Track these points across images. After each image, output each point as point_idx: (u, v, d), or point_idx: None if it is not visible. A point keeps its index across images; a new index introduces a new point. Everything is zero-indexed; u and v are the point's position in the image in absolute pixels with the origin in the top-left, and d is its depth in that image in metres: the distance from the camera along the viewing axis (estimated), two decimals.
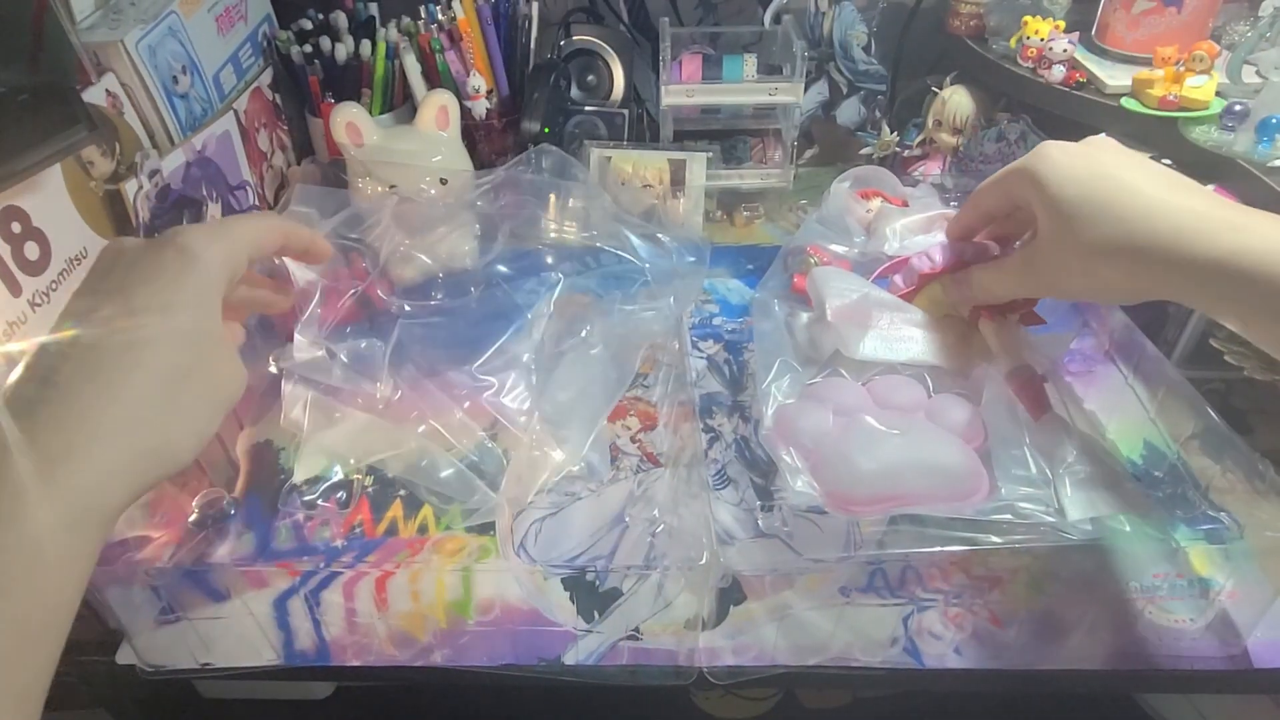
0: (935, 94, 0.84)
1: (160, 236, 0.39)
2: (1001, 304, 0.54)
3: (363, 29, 0.84)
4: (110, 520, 0.33)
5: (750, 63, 0.81)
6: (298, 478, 0.58)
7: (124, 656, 0.52)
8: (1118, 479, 0.52)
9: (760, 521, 0.55)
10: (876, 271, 0.60)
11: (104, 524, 0.33)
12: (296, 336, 0.61)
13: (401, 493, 0.59)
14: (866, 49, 0.87)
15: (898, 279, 0.58)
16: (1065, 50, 0.74)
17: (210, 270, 0.38)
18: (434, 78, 0.84)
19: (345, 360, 0.61)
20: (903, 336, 0.55)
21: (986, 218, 0.54)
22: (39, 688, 0.31)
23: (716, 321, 0.74)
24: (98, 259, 0.39)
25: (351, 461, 0.59)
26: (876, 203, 0.71)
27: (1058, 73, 0.74)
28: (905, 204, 0.70)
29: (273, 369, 0.64)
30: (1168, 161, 0.59)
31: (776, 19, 0.87)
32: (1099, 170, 0.44)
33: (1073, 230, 0.44)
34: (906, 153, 0.87)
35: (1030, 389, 0.51)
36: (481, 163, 0.84)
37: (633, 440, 0.62)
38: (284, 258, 0.64)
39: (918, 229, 0.65)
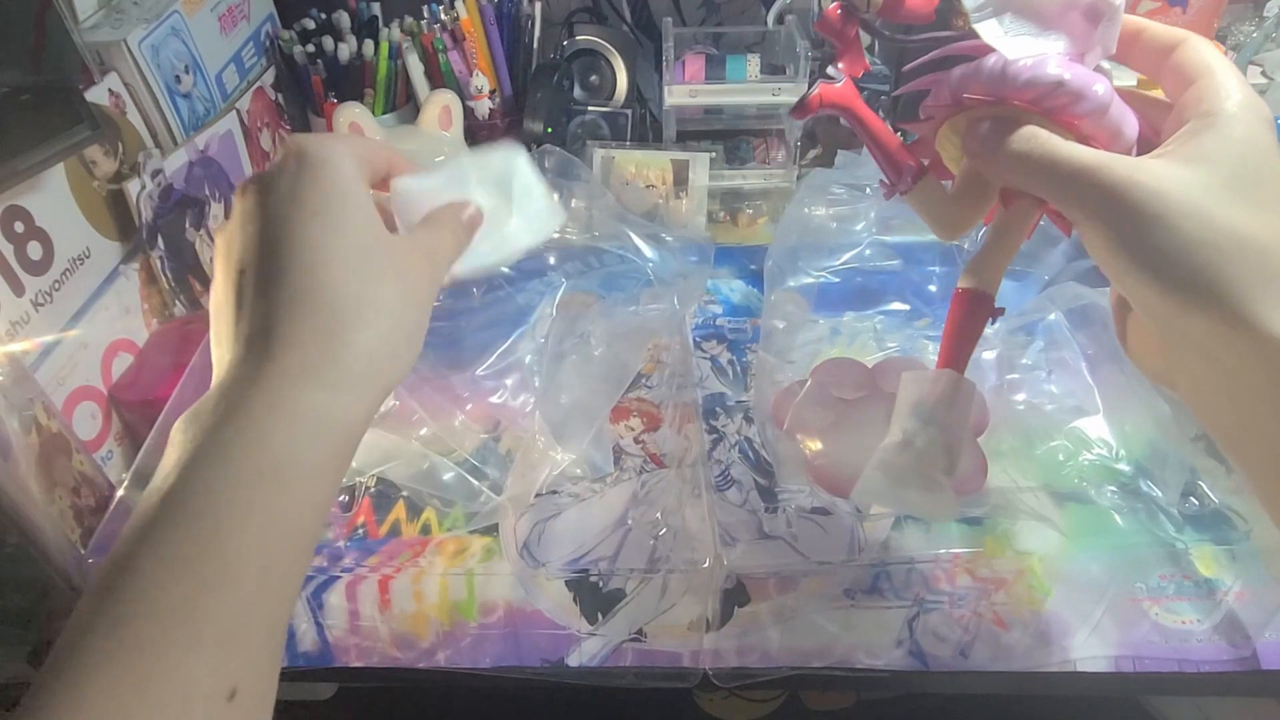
0: None
1: (286, 154, 0.35)
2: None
3: (365, 29, 0.84)
4: (351, 434, 0.32)
5: (753, 63, 0.80)
6: None
7: None
8: (930, 483, 0.40)
9: (764, 523, 0.55)
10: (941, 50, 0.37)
11: (347, 440, 0.32)
12: None
13: (404, 494, 0.58)
14: (870, 49, 0.87)
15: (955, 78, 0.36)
16: None
17: (347, 165, 0.35)
18: (437, 78, 0.84)
19: None
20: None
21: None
22: (290, 600, 0.31)
23: (720, 322, 0.74)
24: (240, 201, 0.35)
25: (355, 465, 0.59)
26: None
27: None
28: None
29: None
30: None
31: (780, 19, 0.87)
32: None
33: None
34: None
35: (970, 323, 0.39)
36: None
37: (636, 441, 0.62)
38: None
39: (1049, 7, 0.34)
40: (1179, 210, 0.30)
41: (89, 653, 0.26)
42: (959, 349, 0.40)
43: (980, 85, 0.35)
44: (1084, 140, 0.33)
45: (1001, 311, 0.39)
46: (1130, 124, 0.34)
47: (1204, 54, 0.33)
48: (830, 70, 0.40)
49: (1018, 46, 0.34)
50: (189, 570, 0.27)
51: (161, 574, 0.27)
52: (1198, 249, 0.30)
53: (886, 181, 0.42)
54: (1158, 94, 0.36)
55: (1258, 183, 0.31)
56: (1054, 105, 0.33)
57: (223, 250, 0.34)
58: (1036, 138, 0.33)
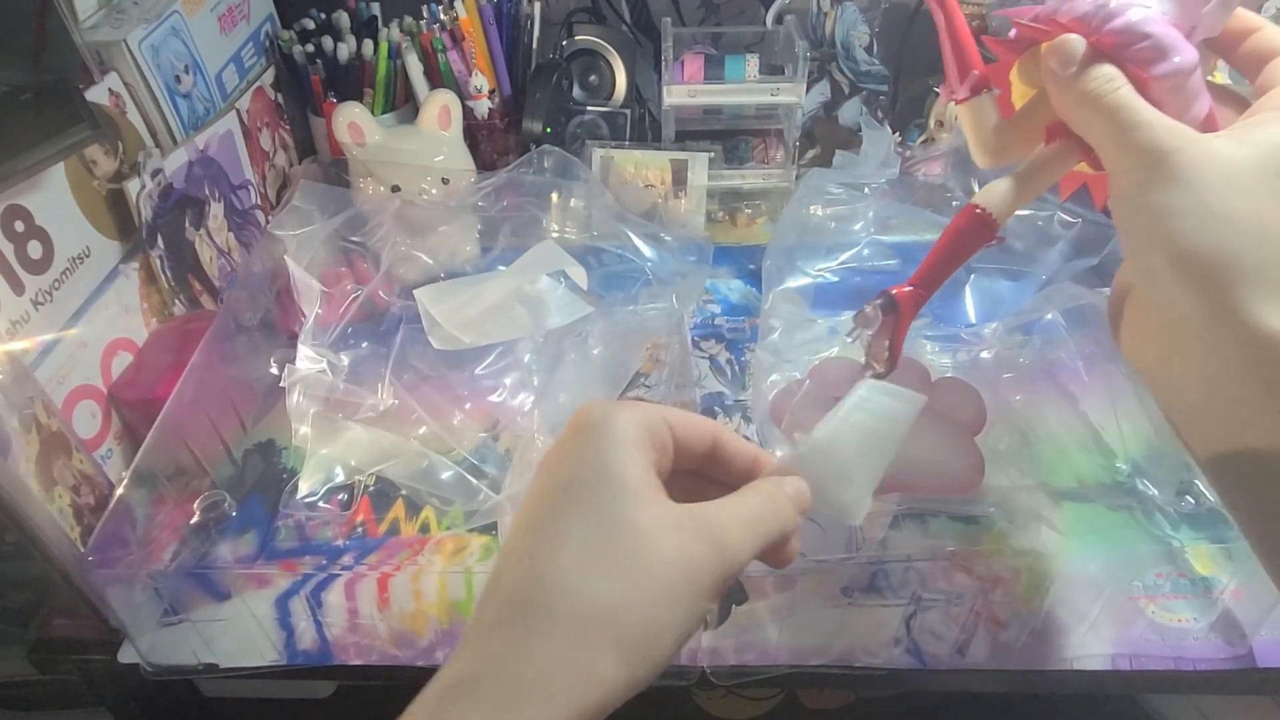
0: (937, 94, 0.84)
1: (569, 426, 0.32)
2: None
3: (365, 28, 0.84)
4: None
5: (752, 63, 0.81)
6: (302, 491, 0.58)
7: (126, 656, 0.52)
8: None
9: None
10: None
11: None
12: (300, 347, 0.61)
13: (403, 493, 0.58)
14: (868, 49, 0.87)
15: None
16: None
17: (617, 428, 0.31)
18: (436, 77, 0.84)
19: (347, 369, 0.61)
20: None
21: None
22: None
23: (718, 321, 0.74)
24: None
25: (354, 463, 0.59)
26: None
27: None
28: None
29: (274, 369, 0.64)
30: None
31: (779, 19, 0.87)
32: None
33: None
34: (908, 153, 0.87)
35: (966, 239, 0.38)
36: (483, 162, 0.84)
37: None
38: (288, 258, 0.65)
39: None
40: (1216, 181, 0.30)
41: None
42: (945, 261, 0.39)
43: (1074, 17, 0.34)
44: (1151, 101, 0.33)
45: (1002, 240, 0.39)
46: (1201, 104, 0.34)
47: None
48: None
49: None
50: None
51: None
52: (1219, 223, 0.30)
53: (948, 86, 0.41)
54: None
55: None
56: (1135, 56, 0.33)
57: None
58: (1116, 79, 0.33)
